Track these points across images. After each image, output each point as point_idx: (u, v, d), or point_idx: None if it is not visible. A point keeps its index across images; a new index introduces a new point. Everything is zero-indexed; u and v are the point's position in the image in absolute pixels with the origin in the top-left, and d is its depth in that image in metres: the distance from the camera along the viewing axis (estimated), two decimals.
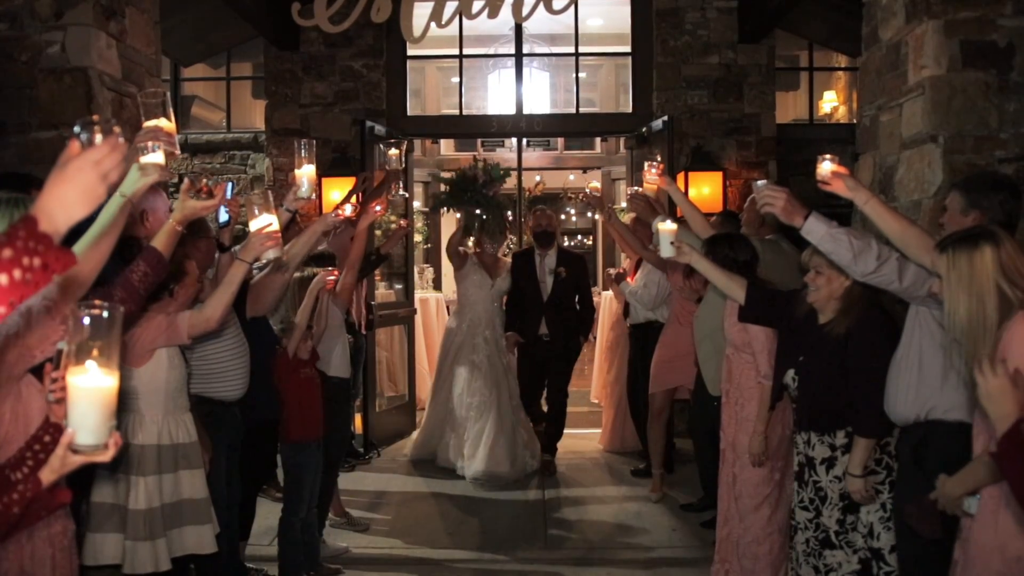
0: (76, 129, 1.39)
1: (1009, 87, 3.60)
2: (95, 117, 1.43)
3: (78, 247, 1.92)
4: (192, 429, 2.91)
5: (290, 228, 4.17)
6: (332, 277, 3.81)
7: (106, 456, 1.40)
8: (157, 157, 2.05)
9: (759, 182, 2.76)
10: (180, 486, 2.84)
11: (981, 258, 2.04)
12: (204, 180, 2.46)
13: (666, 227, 3.28)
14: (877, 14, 4.08)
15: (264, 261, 2.82)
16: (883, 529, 2.86)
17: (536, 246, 5.83)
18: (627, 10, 7.27)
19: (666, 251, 3.27)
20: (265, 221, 2.70)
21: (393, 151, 4.62)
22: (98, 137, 1.38)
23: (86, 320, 1.33)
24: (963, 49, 3.58)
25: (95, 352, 1.33)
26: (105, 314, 1.33)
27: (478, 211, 5.85)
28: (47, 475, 1.50)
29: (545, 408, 5.99)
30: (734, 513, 3.56)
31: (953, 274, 2.07)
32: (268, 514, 4.25)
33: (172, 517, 2.82)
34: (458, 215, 6.31)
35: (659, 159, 6.09)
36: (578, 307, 5.84)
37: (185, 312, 2.81)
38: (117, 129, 1.41)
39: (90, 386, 1.34)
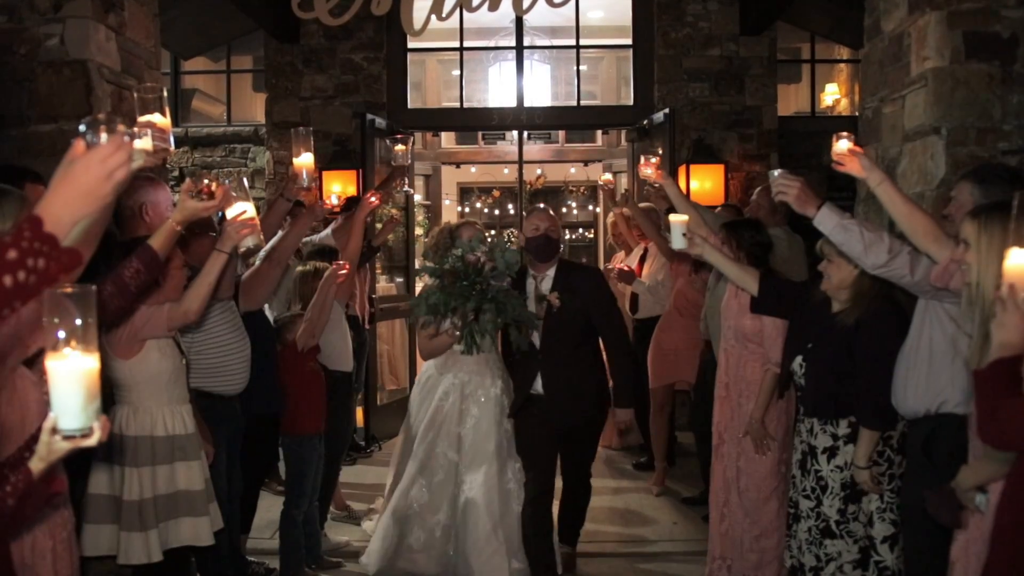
0: (81, 128, 1.38)
1: (1012, 79, 3.58)
2: (100, 116, 1.41)
3: (68, 239, 1.91)
4: (189, 421, 2.90)
5: (293, 215, 4.17)
6: (344, 271, 3.80)
7: (93, 440, 1.37)
8: (144, 143, 2.03)
9: (775, 171, 2.73)
10: (176, 478, 2.83)
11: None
12: (206, 181, 2.40)
13: (678, 218, 3.26)
14: (879, 5, 4.06)
15: (243, 250, 2.74)
16: (879, 520, 2.87)
17: (531, 262, 3.82)
18: (628, 2, 7.25)
19: (678, 243, 3.24)
20: (240, 209, 2.61)
21: (400, 147, 4.62)
22: (103, 136, 1.36)
23: (59, 302, 1.30)
24: (966, 40, 3.56)
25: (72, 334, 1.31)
26: (78, 294, 1.30)
27: (485, 311, 3.55)
28: (36, 464, 1.49)
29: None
30: (736, 509, 3.55)
31: (984, 238, 2.02)
32: (269, 507, 4.25)
33: (167, 509, 2.81)
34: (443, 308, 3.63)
35: (659, 151, 6.10)
36: (608, 350, 3.88)
37: (166, 305, 2.78)
38: (122, 127, 1.39)
39: (69, 369, 1.31)
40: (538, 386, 3.70)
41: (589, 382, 3.75)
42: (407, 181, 4.92)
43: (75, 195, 1.30)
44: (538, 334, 3.69)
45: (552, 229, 3.74)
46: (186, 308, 2.73)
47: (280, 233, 3.93)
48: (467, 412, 3.84)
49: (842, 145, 2.54)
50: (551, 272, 3.77)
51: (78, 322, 1.31)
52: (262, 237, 2.71)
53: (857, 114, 4.75)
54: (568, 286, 3.69)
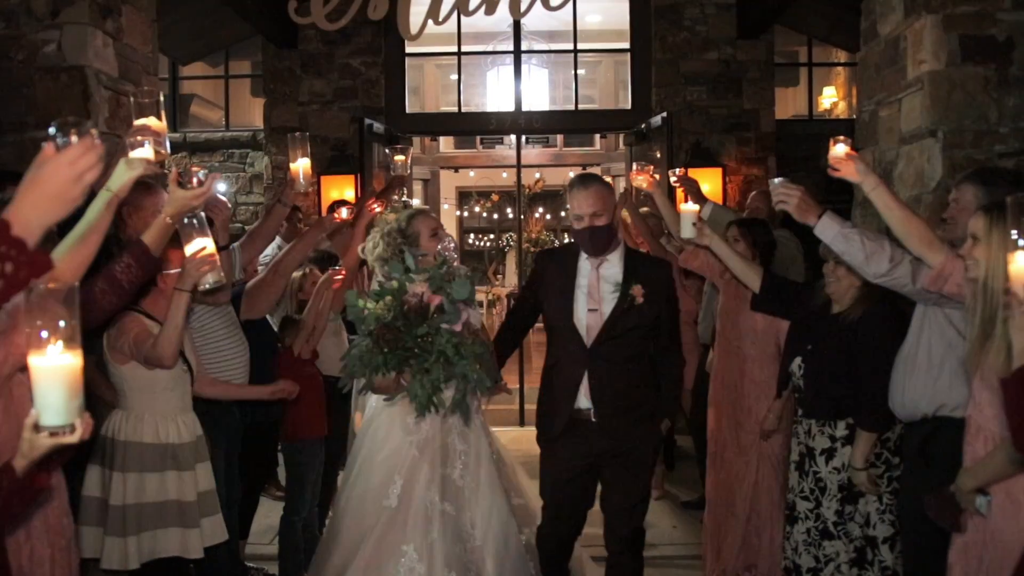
0: (51, 131, 1.38)
1: (1008, 81, 3.60)
2: (70, 118, 1.41)
3: (64, 244, 1.90)
4: (186, 431, 2.83)
5: (291, 220, 4.15)
6: (340, 277, 3.80)
7: (74, 437, 1.37)
8: (145, 152, 2.03)
9: (775, 179, 2.72)
10: (166, 487, 2.76)
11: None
12: (193, 167, 2.37)
13: (688, 208, 3.25)
14: (876, 9, 4.07)
15: (203, 288, 2.56)
16: (879, 520, 2.87)
17: (586, 250, 3.01)
18: (625, 6, 7.27)
19: (687, 232, 3.22)
20: (198, 245, 2.48)
21: (400, 156, 4.62)
22: (73, 138, 1.36)
23: (42, 300, 1.30)
24: (962, 43, 3.58)
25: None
26: (60, 292, 1.30)
27: (431, 369, 2.82)
28: (19, 461, 1.48)
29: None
30: (741, 509, 3.55)
31: (995, 233, 2.00)
32: (268, 513, 4.24)
33: (154, 517, 2.73)
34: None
35: (658, 155, 6.11)
36: (659, 352, 3.10)
37: (148, 342, 2.68)
38: (94, 131, 1.39)
39: (50, 365, 1.32)
40: (582, 398, 2.96)
41: (644, 396, 3.02)
42: (405, 191, 4.92)
43: (44, 198, 1.30)
44: (584, 334, 2.95)
45: (598, 215, 2.90)
46: (159, 355, 2.63)
47: (278, 242, 3.93)
48: (451, 448, 3.04)
49: (839, 149, 2.53)
50: (614, 257, 2.99)
51: (61, 321, 1.31)
52: (223, 274, 2.58)
53: (854, 117, 4.76)
54: (641, 278, 2.95)
